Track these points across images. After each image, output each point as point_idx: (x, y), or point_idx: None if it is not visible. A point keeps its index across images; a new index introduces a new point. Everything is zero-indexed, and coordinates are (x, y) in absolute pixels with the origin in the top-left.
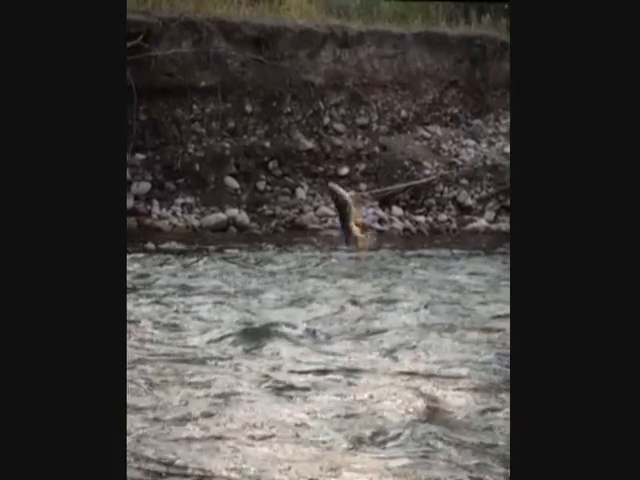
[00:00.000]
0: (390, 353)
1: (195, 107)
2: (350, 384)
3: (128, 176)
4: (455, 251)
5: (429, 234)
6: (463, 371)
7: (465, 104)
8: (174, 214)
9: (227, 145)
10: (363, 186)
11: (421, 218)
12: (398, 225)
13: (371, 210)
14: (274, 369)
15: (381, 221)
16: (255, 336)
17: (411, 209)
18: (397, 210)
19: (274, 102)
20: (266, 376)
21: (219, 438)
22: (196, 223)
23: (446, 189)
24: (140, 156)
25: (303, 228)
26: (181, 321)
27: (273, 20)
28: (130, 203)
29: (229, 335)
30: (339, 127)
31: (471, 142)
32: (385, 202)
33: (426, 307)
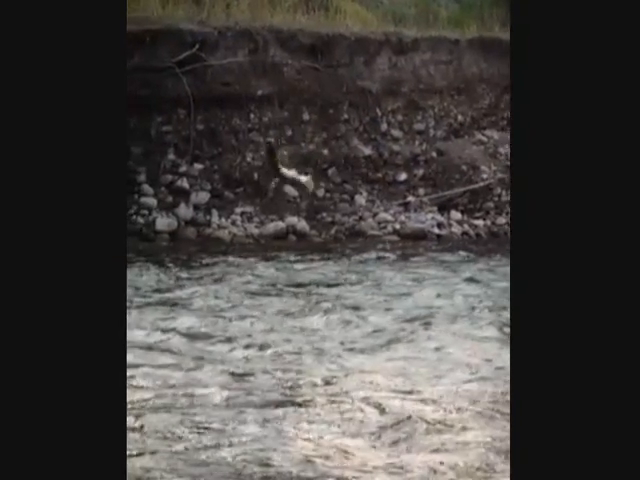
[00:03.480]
0: None
1: (252, 116)
2: None
3: (187, 186)
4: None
5: (487, 237)
6: None
7: None
8: (233, 223)
9: (285, 153)
10: (421, 191)
11: (479, 222)
12: (457, 229)
13: (430, 215)
14: None
15: (440, 225)
16: None
17: (469, 213)
18: (455, 214)
19: (331, 109)
20: None
21: None
22: (256, 232)
23: (504, 192)
24: (198, 166)
25: (363, 235)
26: None
27: (329, 28)
28: (189, 213)
29: None
30: (396, 133)
31: None
32: (443, 207)
33: None
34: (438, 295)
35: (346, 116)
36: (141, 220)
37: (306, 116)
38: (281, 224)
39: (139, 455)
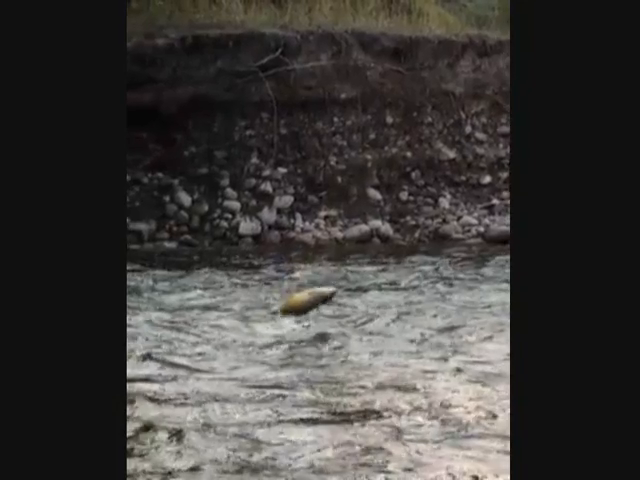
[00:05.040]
0: None
1: (336, 119)
2: None
3: (270, 190)
4: None
5: None
6: None
7: None
8: (317, 227)
9: (369, 157)
10: (506, 194)
11: None
12: None
13: None
14: None
15: None
16: None
17: None
18: None
19: (415, 112)
20: None
21: None
22: (340, 235)
23: None
24: (282, 170)
25: (447, 238)
26: None
27: (411, 31)
28: (273, 217)
29: None
30: (480, 136)
31: None
32: None
33: None
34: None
35: (430, 119)
36: (225, 224)
37: (389, 119)
38: (365, 227)
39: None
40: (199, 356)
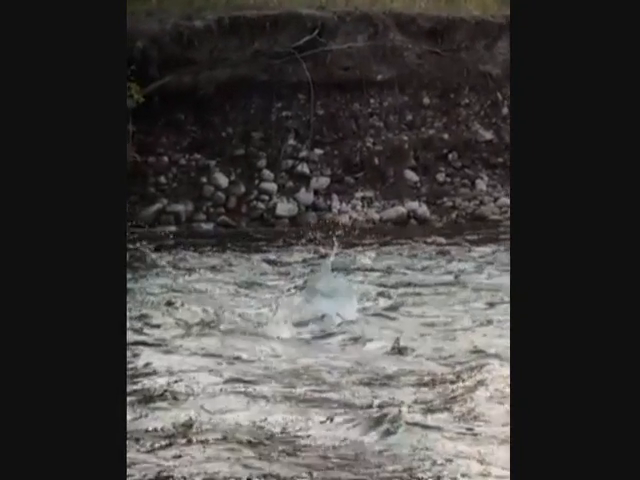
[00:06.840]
0: None
1: (372, 101)
2: None
3: (307, 171)
4: None
5: None
6: None
7: None
8: (354, 208)
9: (405, 138)
10: None
11: None
12: None
13: None
14: None
15: None
16: None
17: None
18: None
19: (452, 94)
20: None
21: None
22: (376, 217)
23: None
24: (319, 151)
25: (484, 219)
26: None
27: (449, 11)
28: (310, 198)
29: None
30: None
31: None
32: None
33: None
34: None
35: (467, 100)
36: (262, 205)
37: (426, 100)
38: (402, 209)
39: None
40: None
